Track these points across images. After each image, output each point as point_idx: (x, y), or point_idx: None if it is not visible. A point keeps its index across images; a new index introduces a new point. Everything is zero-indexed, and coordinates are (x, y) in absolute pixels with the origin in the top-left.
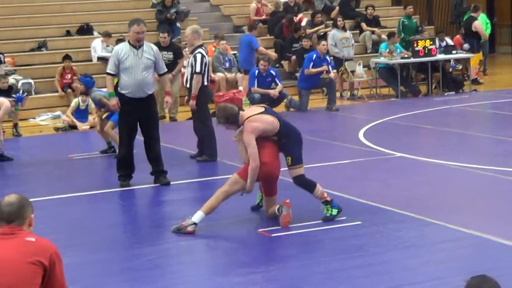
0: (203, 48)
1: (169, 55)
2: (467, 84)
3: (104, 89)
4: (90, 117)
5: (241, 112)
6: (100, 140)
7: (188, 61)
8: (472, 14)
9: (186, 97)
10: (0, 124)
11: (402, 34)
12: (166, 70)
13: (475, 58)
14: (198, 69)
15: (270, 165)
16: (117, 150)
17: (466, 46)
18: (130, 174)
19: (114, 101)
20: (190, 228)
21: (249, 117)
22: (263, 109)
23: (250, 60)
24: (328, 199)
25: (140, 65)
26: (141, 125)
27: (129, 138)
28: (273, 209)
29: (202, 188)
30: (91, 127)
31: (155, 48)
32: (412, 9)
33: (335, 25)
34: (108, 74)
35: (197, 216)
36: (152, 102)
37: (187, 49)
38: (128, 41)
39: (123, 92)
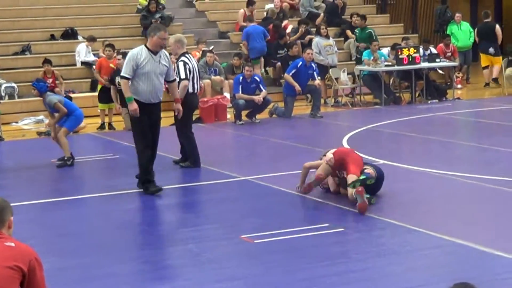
0: (186, 56)
1: None
2: (450, 92)
3: (57, 95)
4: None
5: None
6: (83, 145)
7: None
8: (486, 20)
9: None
10: None
11: (356, 43)
12: (175, 77)
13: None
14: (183, 76)
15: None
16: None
17: (491, 50)
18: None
19: (134, 106)
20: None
21: None
22: None
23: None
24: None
25: (157, 70)
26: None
27: (148, 141)
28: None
29: (186, 194)
30: (74, 132)
31: (168, 54)
32: (359, 20)
33: (318, 33)
34: (125, 78)
35: None
36: (160, 107)
37: (172, 56)
38: (146, 46)
39: (136, 97)
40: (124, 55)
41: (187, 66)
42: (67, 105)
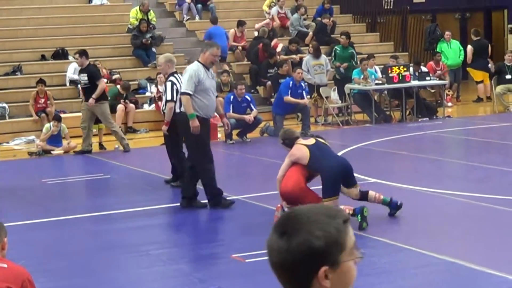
0: (175, 75)
1: (84, 77)
2: (440, 110)
3: None
4: (64, 142)
5: (299, 139)
6: (74, 165)
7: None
8: (477, 38)
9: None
10: None
11: (334, 61)
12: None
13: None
14: (169, 97)
15: (281, 185)
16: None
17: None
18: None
19: (197, 123)
20: None
21: (298, 144)
22: (313, 141)
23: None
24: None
25: (213, 86)
26: None
27: (210, 156)
28: None
29: (176, 213)
30: (65, 152)
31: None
32: (344, 39)
33: (309, 52)
34: (188, 94)
35: None
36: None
37: (161, 75)
38: (200, 62)
39: (196, 113)
40: (82, 54)
41: (174, 87)
42: None
